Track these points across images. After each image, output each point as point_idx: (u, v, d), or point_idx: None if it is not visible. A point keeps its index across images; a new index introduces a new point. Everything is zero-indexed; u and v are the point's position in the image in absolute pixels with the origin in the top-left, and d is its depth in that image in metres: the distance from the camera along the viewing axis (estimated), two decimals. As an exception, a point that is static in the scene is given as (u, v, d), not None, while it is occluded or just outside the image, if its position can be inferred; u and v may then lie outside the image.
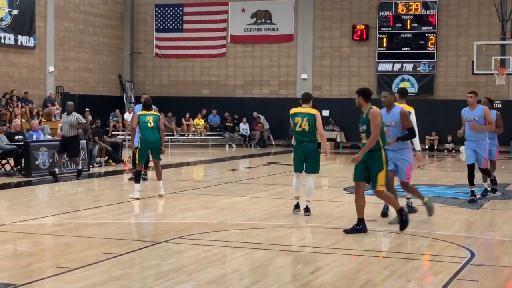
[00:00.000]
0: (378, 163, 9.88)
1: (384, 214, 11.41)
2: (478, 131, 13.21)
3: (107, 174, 19.62)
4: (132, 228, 11.08)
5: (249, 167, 23.26)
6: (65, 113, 18.26)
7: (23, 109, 26.88)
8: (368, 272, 7.98)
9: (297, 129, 11.65)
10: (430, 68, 32.31)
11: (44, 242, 9.83)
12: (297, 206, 11.78)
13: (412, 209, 11.65)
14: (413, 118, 11.25)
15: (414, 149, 11.40)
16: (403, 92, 12.32)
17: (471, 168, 13.26)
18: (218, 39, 35.13)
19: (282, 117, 32.81)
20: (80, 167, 17.88)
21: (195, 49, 35.31)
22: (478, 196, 13.71)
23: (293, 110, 11.80)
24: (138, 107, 15.97)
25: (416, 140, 11.45)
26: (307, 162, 11.72)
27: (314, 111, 11.75)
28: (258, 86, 34.85)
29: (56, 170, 17.33)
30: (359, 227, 9.96)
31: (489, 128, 13.36)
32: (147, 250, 8.96)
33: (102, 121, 24.34)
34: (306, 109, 11.74)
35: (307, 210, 11.65)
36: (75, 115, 17.73)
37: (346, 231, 9.99)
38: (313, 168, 11.80)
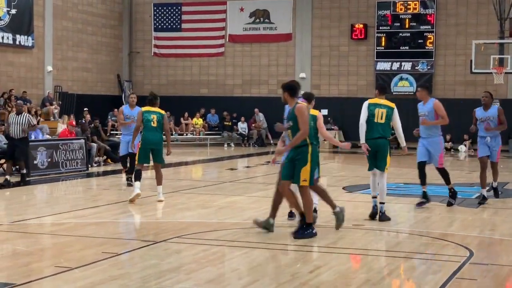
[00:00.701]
0: (303, 158, 9.54)
1: (374, 214, 11.20)
2: (429, 127, 12.55)
3: (105, 173, 19.63)
4: (131, 228, 11.08)
5: (248, 166, 23.27)
6: (13, 113, 16.94)
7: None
8: (367, 271, 8.00)
9: None
10: (429, 67, 32.31)
11: (42, 241, 9.83)
12: (290, 214, 11.06)
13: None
14: (396, 115, 11.22)
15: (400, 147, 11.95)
16: (382, 88, 12.02)
17: (421, 166, 12.61)
18: (217, 38, 35.12)
19: (281, 116, 32.84)
20: (24, 171, 16.24)
21: (194, 48, 35.30)
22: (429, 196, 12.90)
23: None
24: (126, 107, 15.90)
25: (401, 136, 11.48)
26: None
27: (316, 112, 11.06)
28: (256, 85, 34.86)
29: (8, 177, 15.85)
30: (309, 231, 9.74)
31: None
32: (146, 250, 8.97)
33: (100, 121, 24.31)
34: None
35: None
36: (27, 116, 16.46)
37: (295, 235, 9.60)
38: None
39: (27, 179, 16.97)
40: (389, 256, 8.76)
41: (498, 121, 13.10)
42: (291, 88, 9.79)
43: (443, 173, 12.84)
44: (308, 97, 10.93)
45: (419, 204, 12.67)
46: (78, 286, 7.06)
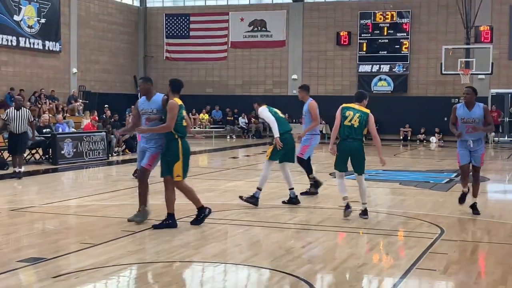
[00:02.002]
0: (174, 154, 8.67)
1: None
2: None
3: (124, 162, 19.58)
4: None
5: (247, 155, 23.24)
6: (11, 109, 15.02)
7: (50, 105, 26.84)
8: (351, 246, 7.99)
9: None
10: (404, 69, 32.33)
11: (69, 221, 9.81)
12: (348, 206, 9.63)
13: (296, 200, 10.87)
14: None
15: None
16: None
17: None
18: (220, 44, 35.06)
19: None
20: (22, 169, 14.57)
21: (200, 53, 35.27)
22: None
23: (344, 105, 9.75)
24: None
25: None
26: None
27: (367, 111, 9.60)
28: (255, 85, 34.82)
29: (17, 169, 14.43)
30: (169, 222, 8.76)
31: (490, 130, 10.53)
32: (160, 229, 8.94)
33: (119, 116, 24.26)
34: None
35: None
36: (27, 111, 14.92)
37: (155, 226, 8.68)
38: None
39: (56, 166, 17.00)
40: (370, 234, 8.73)
41: (484, 122, 9.95)
42: (173, 84, 9.30)
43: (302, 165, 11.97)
44: (358, 96, 9.73)
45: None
46: (101, 260, 7.04)
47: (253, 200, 10.69)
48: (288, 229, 9.01)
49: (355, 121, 9.40)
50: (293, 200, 10.90)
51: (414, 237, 8.45)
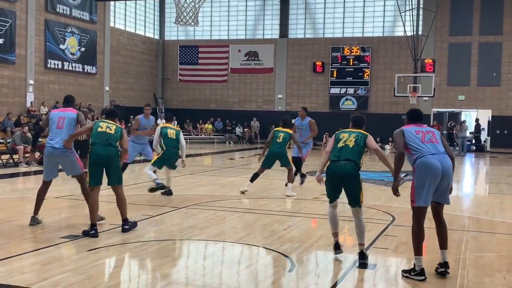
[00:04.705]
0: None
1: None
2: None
3: (145, 161, 19.47)
4: (162, 197, 11.00)
5: (242, 157, 23.21)
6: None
7: (88, 116, 26.69)
8: (322, 229, 7.99)
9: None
10: (366, 92, 32.41)
11: (101, 207, 9.68)
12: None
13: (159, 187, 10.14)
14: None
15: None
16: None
17: None
18: (222, 70, 35.04)
19: (265, 124, 32.90)
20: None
21: (206, 76, 35.24)
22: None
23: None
24: (141, 117, 11.52)
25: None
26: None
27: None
28: (248, 102, 34.80)
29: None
30: (92, 232, 6.98)
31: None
32: (173, 213, 8.92)
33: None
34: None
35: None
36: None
37: (84, 233, 7.03)
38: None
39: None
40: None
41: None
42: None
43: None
44: (355, 121, 6.45)
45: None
46: (127, 236, 7.01)
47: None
48: (273, 215, 9.01)
49: (351, 141, 6.20)
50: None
51: (371, 222, 8.45)
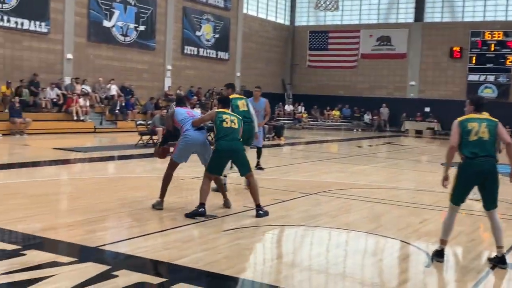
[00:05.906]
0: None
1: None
2: None
3: (273, 146, 19.81)
4: (291, 183, 11.04)
5: (370, 145, 22.64)
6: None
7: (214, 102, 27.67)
8: (462, 225, 7.49)
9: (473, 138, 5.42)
10: (507, 80, 30.10)
11: (232, 191, 9.84)
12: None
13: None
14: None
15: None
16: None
17: None
18: (352, 55, 34.43)
19: (395, 112, 31.89)
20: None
21: (336, 62, 34.90)
22: None
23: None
24: (251, 100, 10.49)
25: None
26: None
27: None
28: (379, 88, 33.92)
29: None
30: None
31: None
32: (303, 199, 8.90)
33: (271, 110, 24.58)
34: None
35: None
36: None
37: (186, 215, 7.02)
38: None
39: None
40: (473, 215, 8.15)
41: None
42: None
43: None
44: (477, 102, 5.53)
45: None
46: (254, 220, 7.10)
47: None
48: (406, 207, 8.64)
49: (484, 132, 5.29)
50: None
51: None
